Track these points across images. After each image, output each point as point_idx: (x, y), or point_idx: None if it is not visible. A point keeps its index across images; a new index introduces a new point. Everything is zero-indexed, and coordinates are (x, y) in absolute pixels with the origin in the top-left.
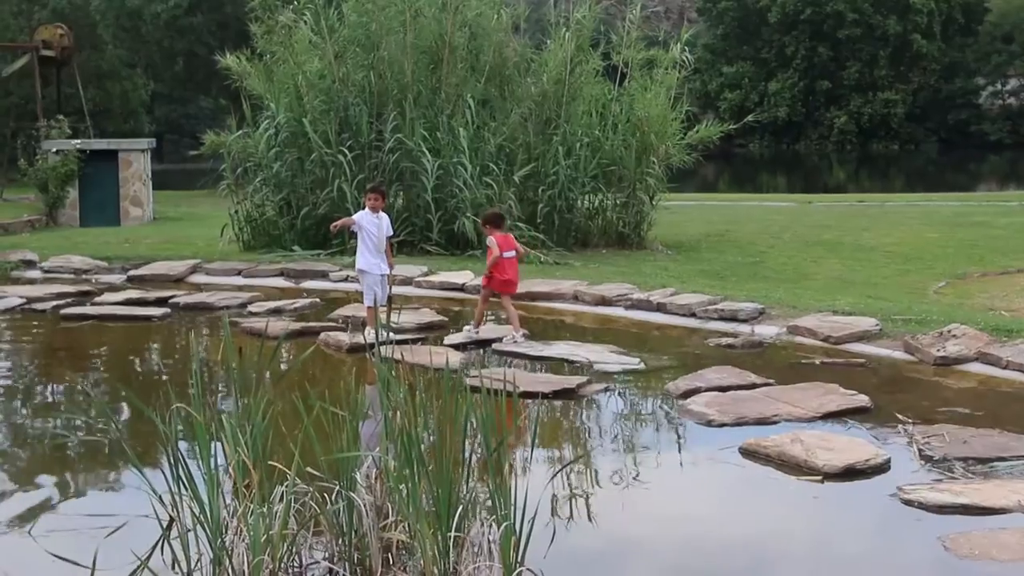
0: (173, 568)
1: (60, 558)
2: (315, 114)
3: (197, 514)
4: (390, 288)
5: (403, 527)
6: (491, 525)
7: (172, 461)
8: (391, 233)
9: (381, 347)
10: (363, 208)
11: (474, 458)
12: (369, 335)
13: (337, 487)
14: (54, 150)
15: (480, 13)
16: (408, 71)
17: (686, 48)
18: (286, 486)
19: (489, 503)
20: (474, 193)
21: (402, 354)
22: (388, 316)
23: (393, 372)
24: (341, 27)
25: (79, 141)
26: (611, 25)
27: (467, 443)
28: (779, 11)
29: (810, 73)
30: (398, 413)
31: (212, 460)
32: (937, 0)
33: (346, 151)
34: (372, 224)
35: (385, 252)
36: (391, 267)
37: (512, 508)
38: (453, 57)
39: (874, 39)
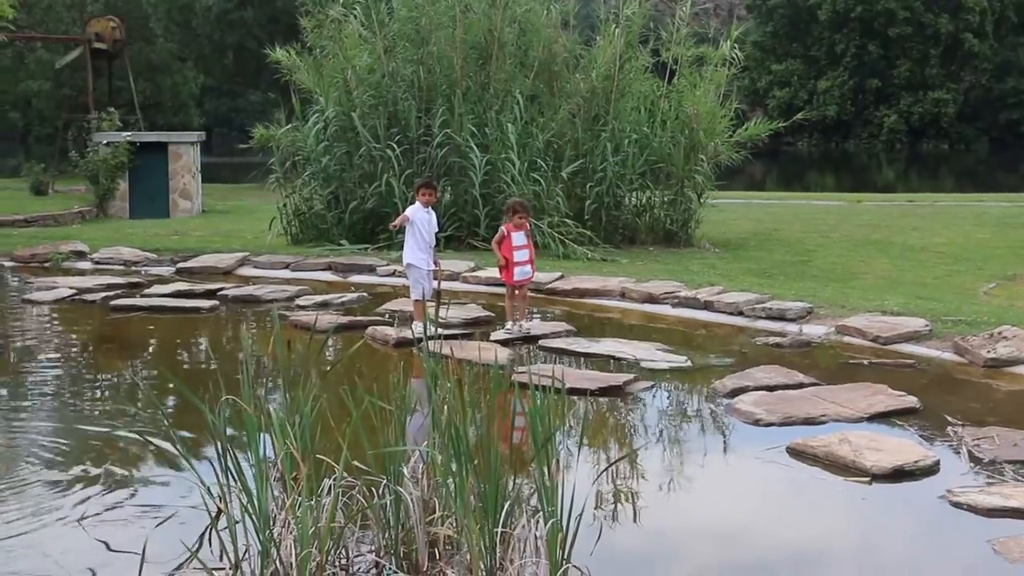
0: (221, 559)
1: (110, 548)
2: (364, 108)
3: (245, 505)
4: (438, 283)
5: (450, 522)
6: (538, 521)
7: (220, 452)
8: (438, 228)
9: (428, 341)
10: (413, 203)
11: (522, 454)
12: (417, 329)
13: (384, 481)
14: (105, 142)
15: (529, 9)
16: (457, 66)
17: (736, 45)
18: (334, 479)
19: (536, 499)
20: (522, 189)
21: (451, 349)
22: (437, 311)
23: (440, 366)
24: (391, 22)
25: (130, 133)
26: (660, 22)
27: (514, 438)
28: (829, 8)
29: (860, 71)
30: (445, 407)
31: (260, 452)
32: None
33: (394, 145)
34: (423, 219)
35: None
36: (436, 263)
37: (559, 505)
38: (502, 52)
39: (925, 37)
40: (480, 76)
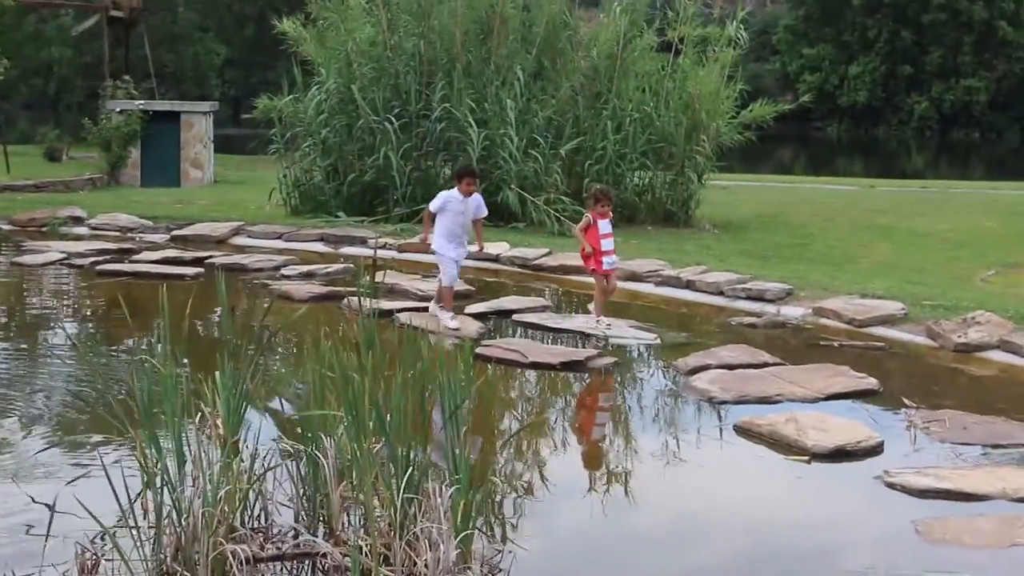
0: (144, 518)
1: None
2: (364, 81)
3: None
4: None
5: (362, 486)
6: (445, 487)
7: (144, 415)
8: (484, 214)
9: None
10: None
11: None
12: (444, 315)
13: (302, 446)
14: (118, 110)
15: None
16: (458, 41)
17: (741, 26)
18: (252, 442)
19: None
20: (520, 166)
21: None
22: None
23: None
24: None
25: (142, 102)
26: (670, 1)
27: (427, 404)
28: None
29: (892, 57)
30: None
31: (177, 414)
32: None
33: (393, 119)
34: (456, 208)
35: (477, 232)
36: (481, 247)
37: (465, 471)
38: (504, 28)
39: (959, 24)
40: (481, 51)
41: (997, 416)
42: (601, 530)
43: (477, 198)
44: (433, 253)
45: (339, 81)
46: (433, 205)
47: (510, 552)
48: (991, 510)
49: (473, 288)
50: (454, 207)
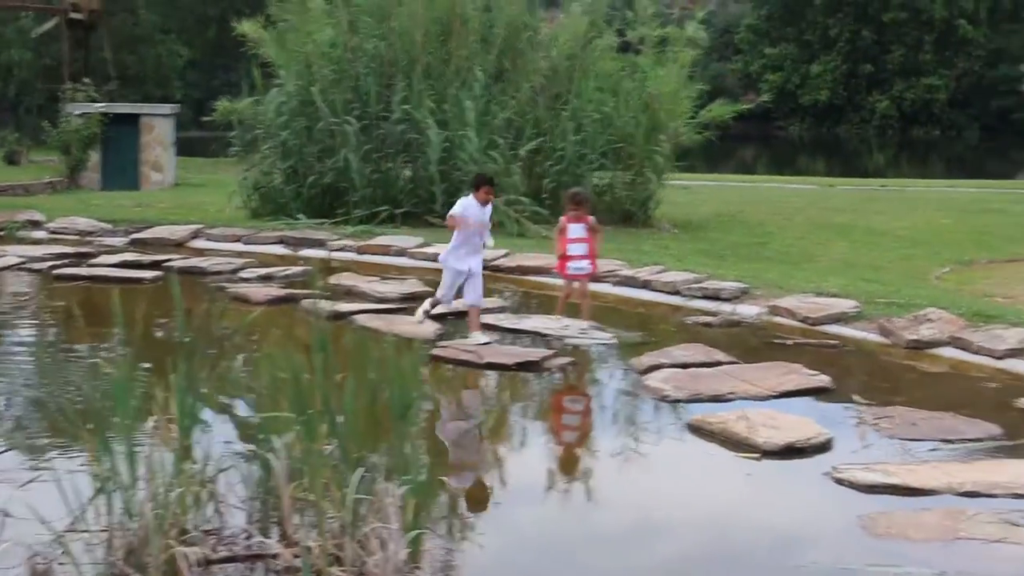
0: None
1: None
2: (324, 83)
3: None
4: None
5: (313, 487)
6: (397, 487)
7: (97, 419)
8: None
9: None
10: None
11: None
12: (422, 318)
13: (255, 448)
14: (78, 113)
15: None
16: (418, 42)
17: (701, 26)
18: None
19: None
20: (480, 167)
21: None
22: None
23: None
24: None
25: (103, 104)
26: (629, 1)
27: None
28: None
29: (853, 56)
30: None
31: (131, 416)
32: None
33: (353, 121)
34: (476, 216)
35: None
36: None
37: (416, 471)
38: (464, 29)
39: (919, 23)
40: (441, 52)
41: (946, 412)
42: (552, 528)
43: (490, 208)
44: (443, 265)
45: (299, 83)
46: (457, 210)
47: (462, 551)
48: (937, 504)
49: (431, 290)
50: (475, 216)
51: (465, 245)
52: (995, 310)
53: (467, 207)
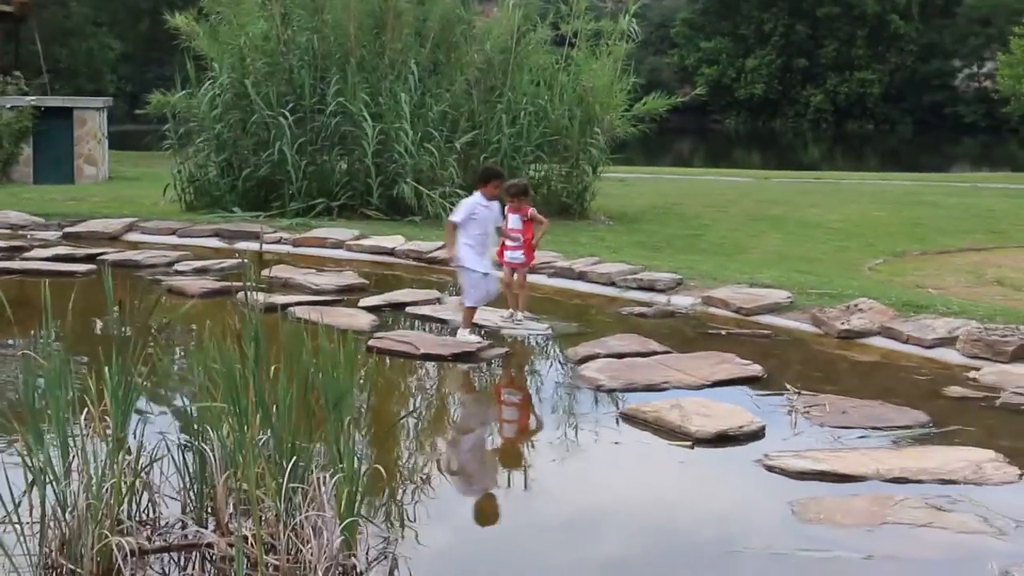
0: (30, 515)
1: None
2: (258, 76)
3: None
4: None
5: (247, 477)
6: (330, 476)
7: (28, 411)
8: (500, 222)
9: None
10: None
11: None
12: (466, 338)
13: (189, 439)
14: (8, 106)
15: None
16: (352, 35)
17: (634, 20)
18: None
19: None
20: (415, 159)
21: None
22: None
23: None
24: None
25: (34, 98)
26: None
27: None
28: None
29: (787, 50)
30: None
31: (64, 408)
32: None
33: (287, 113)
34: (483, 215)
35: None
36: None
37: (350, 461)
38: (398, 22)
39: (852, 18)
40: (375, 45)
41: (876, 400)
42: (489, 517)
43: (497, 205)
44: (459, 268)
45: (232, 76)
46: (457, 216)
47: (399, 539)
48: (865, 490)
49: (368, 282)
50: (481, 214)
51: (476, 246)
52: (925, 300)
53: (473, 207)
